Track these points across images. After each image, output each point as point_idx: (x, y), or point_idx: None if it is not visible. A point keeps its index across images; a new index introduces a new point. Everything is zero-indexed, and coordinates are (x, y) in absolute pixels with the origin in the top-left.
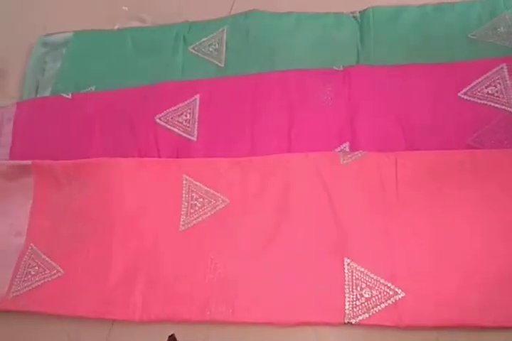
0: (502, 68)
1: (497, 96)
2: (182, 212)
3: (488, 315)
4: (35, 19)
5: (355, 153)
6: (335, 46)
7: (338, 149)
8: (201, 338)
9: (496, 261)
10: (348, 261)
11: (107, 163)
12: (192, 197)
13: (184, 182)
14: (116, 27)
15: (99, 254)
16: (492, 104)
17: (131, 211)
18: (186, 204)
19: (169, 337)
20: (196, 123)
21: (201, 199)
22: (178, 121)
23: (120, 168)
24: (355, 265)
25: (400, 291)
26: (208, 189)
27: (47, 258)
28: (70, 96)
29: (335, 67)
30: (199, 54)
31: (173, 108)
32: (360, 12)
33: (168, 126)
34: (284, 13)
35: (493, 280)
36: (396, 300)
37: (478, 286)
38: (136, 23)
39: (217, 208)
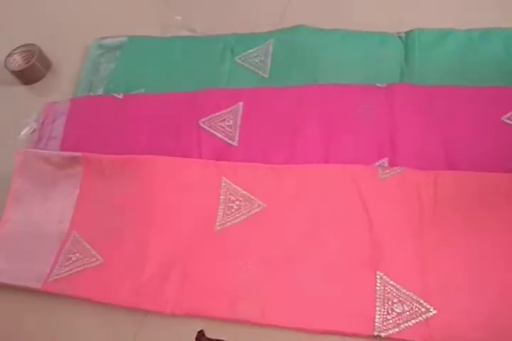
0: None
1: None
2: (219, 213)
3: None
4: (92, 23)
5: (395, 168)
6: (379, 64)
7: (377, 164)
8: (230, 336)
9: None
10: (381, 274)
11: (151, 161)
12: (229, 199)
13: (223, 184)
14: (168, 35)
15: (136, 247)
16: None
17: (169, 208)
18: (223, 205)
19: (198, 332)
20: (238, 129)
21: (238, 202)
22: (220, 126)
23: (162, 166)
24: (387, 279)
25: (432, 308)
26: (246, 192)
27: (88, 246)
28: (121, 96)
29: (378, 84)
30: (245, 64)
31: (217, 113)
32: (405, 33)
33: (211, 131)
34: (331, 29)
35: None
36: (428, 317)
37: (506, 310)
38: (186, 33)
39: (253, 211)
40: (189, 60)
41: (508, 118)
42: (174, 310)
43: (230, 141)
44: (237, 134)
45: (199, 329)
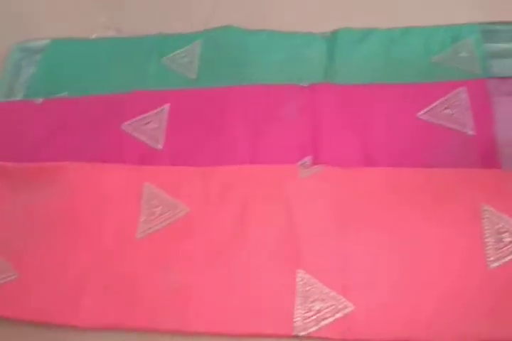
0: (462, 91)
1: (455, 118)
2: (140, 220)
3: (435, 332)
4: (13, 25)
5: (314, 166)
6: (303, 64)
7: (300, 163)
8: None
9: (445, 279)
10: (302, 272)
11: (68, 167)
12: (152, 204)
13: (145, 189)
14: (93, 36)
15: (54, 259)
16: (450, 125)
17: (88, 216)
18: (146, 211)
19: None
20: (163, 131)
21: (161, 207)
22: (145, 129)
23: (81, 173)
24: (308, 277)
25: (350, 304)
26: (169, 197)
27: (3, 261)
28: (40, 101)
29: (301, 84)
30: (172, 65)
31: (142, 116)
32: (330, 33)
33: (135, 134)
34: (257, 30)
35: (442, 298)
36: (346, 314)
37: (427, 303)
38: (112, 34)
39: (177, 216)
40: (114, 61)
41: (424, 114)
42: (91, 324)
43: (154, 145)
44: (163, 137)
45: None
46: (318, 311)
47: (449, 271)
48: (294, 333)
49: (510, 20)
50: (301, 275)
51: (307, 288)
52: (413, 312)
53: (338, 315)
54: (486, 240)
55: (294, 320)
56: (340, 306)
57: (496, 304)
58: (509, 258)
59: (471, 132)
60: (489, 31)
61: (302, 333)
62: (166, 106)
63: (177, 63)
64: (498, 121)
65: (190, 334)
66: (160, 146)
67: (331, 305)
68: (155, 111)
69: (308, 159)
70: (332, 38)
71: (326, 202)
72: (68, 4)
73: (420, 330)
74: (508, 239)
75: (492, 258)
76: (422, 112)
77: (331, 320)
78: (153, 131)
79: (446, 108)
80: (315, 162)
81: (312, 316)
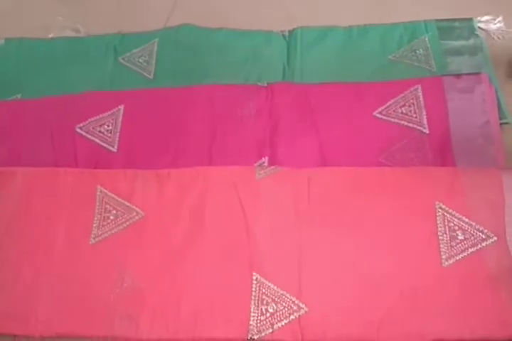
0: (417, 89)
1: (410, 116)
2: (94, 225)
3: (389, 332)
4: None
5: (270, 167)
6: (263, 63)
7: (257, 163)
8: None
9: (400, 278)
10: (257, 275)
11: (17, 173)
12: (105, 209)
13: (98, 193)
14: (50, 36)
15: (6, 268)
16: (405, 123)
17: (40, 222)
18: (99, 216)
19: None
20: (118, 133)
21: (115, 212)
22: (99, 131)
23: (31, 178)
24: (263, 280)
25: (303, 306)
26: (123, 201)
27: None
28: None
29: (259, 83)
30: (128, 65)
31: (96, 117)
32: (289, 31)
33: (89, 136)
34: (215, 28)
35: (396, 297)
36: (299, 315)
37: (381, 303)
38: (70, 33)
39: (131, 220)
40: (70, 61)
41: (380, 113)
42: (43, 333)
43: (108, 147)
44: (117, 139)
45: None
46: (272, 314)
47: (403, 270)
48: (248, 336)
49: (467, 17)
50: (256, 278)
51: (262, 291)
52: (367, 313)
53: (291, 317)
54: (440, 238)
55: (250, 323)
56: (294, 308)
57: (450, 302)
58: (462, 255)
59: (425, 130)
60: (446, 28)
61: (256, 336)
62: (121, 107)
63: (134, 62)
64: (452, 118)
65: None
66: (114, 149)
67: (285, 308)
68: (109, 112)
69: (265, 159)
70: (291, 37)
71: (281, 204)
72: (24, 2)
73: (374, 330)
74: (461, 237)
75: (445, 256)
76: (377, 111)
77: (285, 322)
78: (107, 133)
79: (401, 106)
80: (272, 162)
81: (267, 319)
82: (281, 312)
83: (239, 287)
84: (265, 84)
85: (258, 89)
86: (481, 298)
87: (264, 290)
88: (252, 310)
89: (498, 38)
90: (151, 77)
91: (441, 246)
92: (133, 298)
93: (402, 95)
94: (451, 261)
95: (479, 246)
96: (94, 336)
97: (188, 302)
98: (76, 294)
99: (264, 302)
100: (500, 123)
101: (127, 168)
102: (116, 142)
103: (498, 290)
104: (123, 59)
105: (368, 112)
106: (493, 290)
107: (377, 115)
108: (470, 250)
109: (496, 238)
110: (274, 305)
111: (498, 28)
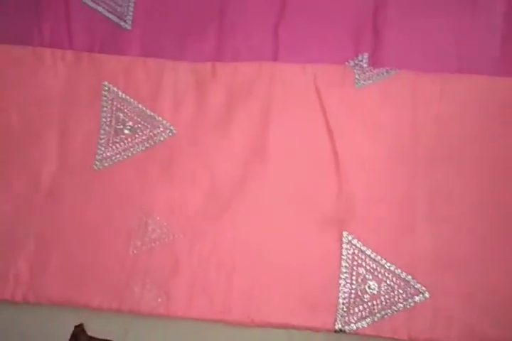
0: None
1: None
2: (100, 142)
3: None
4: None
5: (380, 69)
6: None
7: (352, 63)
8: (119, 333)
9: None
10: (350, 237)
11: None
12: (117, 118)
13: (105, 93)
14: None
15: None
16: None
17: (18, 134)
18: (107, 129)
19: (76, 327)
20: (132, 3)
21: (131, 123)
22: (109, 3)
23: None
24: (358, 243)
25: (423, 289)
26: (144, 108)
27: None
28: None
29: None
30: None
31: None
32: None
33: (92, 5)
34: None
35: None
36: (416, 303)
37: None
38: None
39: (157, 138)
40: None
41: None
42: (27, 297)
43: (119, 21)
44: (131, 12)
45: (77, 324)
46: (374, 297)
47: None
48: (336, 327)
49: None
50: (348, 240)
51: (356, 261)
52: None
53: (404, 304)
54: None
55: (338, 307)
56: (409, 290)
57: None
58: None
59: None
60: None
61: (347, 328)
62: None
63: None
64: None
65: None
66: (128, 26)
67: (394, 290)
68: None
69: (364, 56)
70: None
71: (395, 127)
72: None
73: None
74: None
75: None
76: None
77: (393, 310)
78: (117, 2)
79: None
80: (374, 62)
81: (364, 304)
82: (388, 296)
83: (322, 253)
84: None
85: None
86: None
87: (359, 260)
88: (341, 289)
89: None
90: None
91: None
92: (163, 256)
93: None
94: None
95: None
96: (102, 307)
97: (244, 267)
98: (75, 244)
99: (360, 278)
100: None
101: (146, 55)
102: (131, 16)
103: None
104: None
105: None
106: None
107: None
108: None
109: None
110: (375, 283)
111: None
